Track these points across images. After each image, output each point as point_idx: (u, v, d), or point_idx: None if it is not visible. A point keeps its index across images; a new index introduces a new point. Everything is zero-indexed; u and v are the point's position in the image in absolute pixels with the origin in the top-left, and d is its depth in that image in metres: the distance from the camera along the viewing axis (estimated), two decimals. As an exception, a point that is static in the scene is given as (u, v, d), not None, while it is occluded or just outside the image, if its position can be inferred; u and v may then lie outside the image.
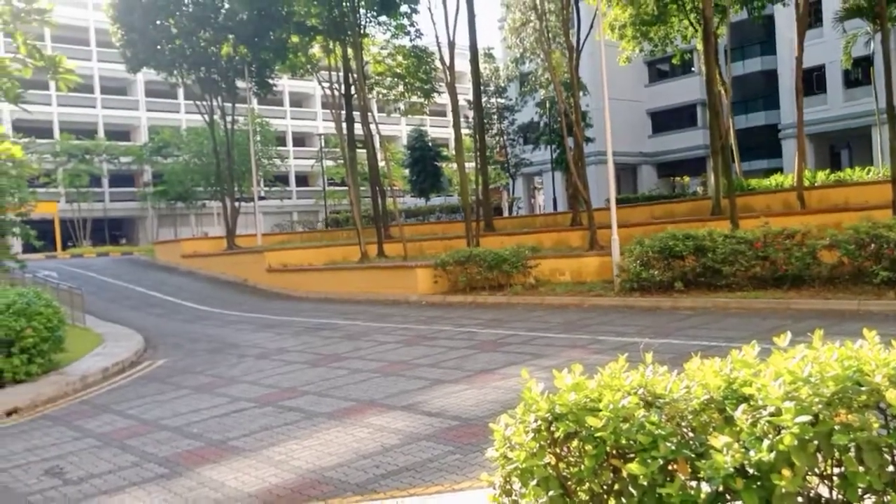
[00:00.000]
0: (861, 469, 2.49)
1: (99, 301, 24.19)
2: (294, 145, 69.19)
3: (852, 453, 2.51)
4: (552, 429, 3.12)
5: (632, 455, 2.89)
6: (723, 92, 26.49)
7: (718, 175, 23.13)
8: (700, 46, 27.22)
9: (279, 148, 61.29)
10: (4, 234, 26.32)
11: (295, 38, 31.06)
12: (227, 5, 31.79)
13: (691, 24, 29.12)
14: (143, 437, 7.96)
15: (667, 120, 49.61)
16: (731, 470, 2.58)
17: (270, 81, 36.22)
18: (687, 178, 50.69)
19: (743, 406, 2.78)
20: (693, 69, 45.85)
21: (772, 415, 2.62)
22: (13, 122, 49.85)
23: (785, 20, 37.91)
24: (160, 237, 55.20)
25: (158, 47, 32.20)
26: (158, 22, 31.77)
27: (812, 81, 39.06)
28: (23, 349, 11.43)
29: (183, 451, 7.24)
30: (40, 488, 6.47)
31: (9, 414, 9.83)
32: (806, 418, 2.49)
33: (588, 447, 2.98)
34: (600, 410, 2.99)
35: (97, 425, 8.82)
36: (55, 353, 12.42)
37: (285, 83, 58.48)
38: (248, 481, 6.13)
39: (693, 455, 2.80)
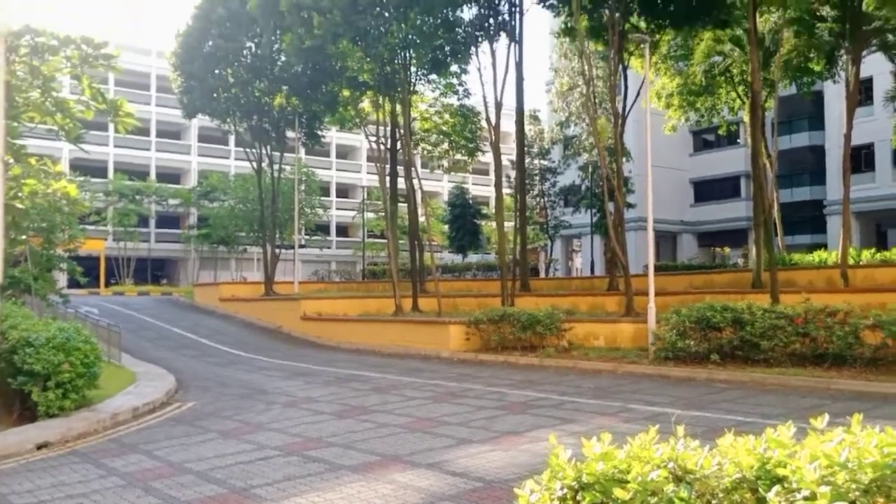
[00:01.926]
0: (899, 562, 2.39)
1: (136, 339, 24.54)
2: (337, 196, 70.32)
3: (890, 545, 2.42)
4: (578, 498, 3.05)
5: (659, 531, 2.81)
6: (768, 165, 26.37)
7: (760, 248, 22.86)
8: (747, 119, 27.25)
9: (322, 198, 62.33)
10: (52, 268, 27.02)
11: (346, 93, 31.87)
12: (282, 58, 32.87)
13: (739, 96, 29.24)
14: (168, 480, 7.96)
15: (710, 190, 49.39)
16: (763, 554, 2.49)
17: (319, 133, 37.11)
18: (728, 249, 50.13)
19: (776, 488, 2.70)
20: (739, 141, 45.77)
21: (806, 499, 2.54)
22: (70, 161, 51.61)
23: (834, 96, 37.79)
24: (200, 279, 56.06)
25: (215, 95, 33.35)
26: (217, 71, 32.97)
27: (860, 159, 38.70)
28: (58, 384, 11.56)
29: (205, 497, 7.21)
30: (63, 523, 6.48)
31: (39, 448, 9.93)
32: (841, 505, 2.41)
33: (614, 520, 2.91)
34: (628, 482, 2.93)
35: (123, 464, 8.85)
36: (89, 389, 12.51)
37: (333, 135, 59.84)
38: (267, 531, 6.07)
39: (722, 536, 2.72)
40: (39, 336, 11.79)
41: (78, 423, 11.05)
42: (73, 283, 39.01)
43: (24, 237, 23.02)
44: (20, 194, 15.19)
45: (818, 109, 42.61)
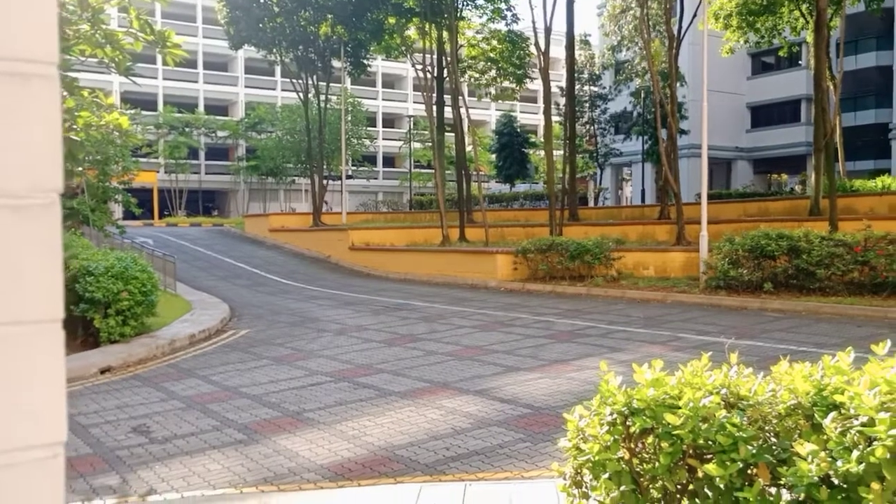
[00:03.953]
0: (962, 491, 2.32)
1: (190, 269, 25.16)
2: (384, 126, 69.98)
3: (952, 473, 2.34)
4: (628, 423, 3.04)
5: (709, 456, 2.79)
6: (832, 87, 25.21)
7: (820, 174, 22.11)
8: (811, 39, 25.99)
9: (369, 128, 62.13)
10: (107, 200, 27.64)
11: (392, 20, 31.32)
12: (328, -16, 32.36)
13: (802, 14, 27.82)
14: (224, 403, 8.23)
15: (768, 114, 47.64)
16: (816, 479, 2.45)
17: (365, 62, 36.68)
18: (785, 176, 48.67)
19: (833, 414, 2.64)
20: (800, 62, 43.82)
21: (864, 425, 2.47)
22: (121, 94, 52.20)
23: (904, 13, 35.69)
24: (250, 210, 56.92)
25: (260, 25, 33.08)
26: (262, 0, 32.62)
27: (930, 79, 36.73)
28: (118, 311, 11.99)
29: (260, 420, 7.45)
30: (128, 444, 6.78)
31: (102, 372, 10.35)
32: (902, 432, 2.34)
33: (664, 444, 2.90)
34: (679, 408, 2.90)
35: (182, 388, 9.18)
36: (147, 316, 12.94)
37: (379, 64, 59.20)
38: (321, 453, 6.26)
39: (775, 461, 2.68)
40: (99, 265, 12.18)
41: (138, 349, 11.46)
42: (128, 215, 40.08)
43: (80, 169, 23.50)
44: (75, 126, 15.42)
45: (888, 27, 40.29)
